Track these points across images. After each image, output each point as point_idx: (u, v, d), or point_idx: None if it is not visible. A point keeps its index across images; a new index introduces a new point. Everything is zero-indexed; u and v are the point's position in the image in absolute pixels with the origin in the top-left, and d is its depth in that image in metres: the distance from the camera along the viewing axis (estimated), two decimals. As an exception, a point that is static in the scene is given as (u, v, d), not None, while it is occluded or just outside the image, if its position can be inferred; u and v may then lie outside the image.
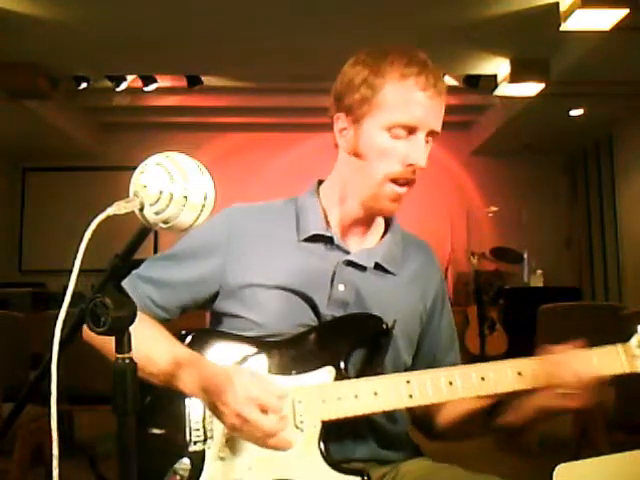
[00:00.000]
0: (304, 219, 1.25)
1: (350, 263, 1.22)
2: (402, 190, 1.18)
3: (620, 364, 1.07)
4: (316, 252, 1.22)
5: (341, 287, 1.20)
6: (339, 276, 1.20)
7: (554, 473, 0.98)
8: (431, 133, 1.17)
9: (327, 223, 1.24)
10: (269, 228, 1.25)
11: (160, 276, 1.22)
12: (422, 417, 1.28)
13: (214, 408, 1.02)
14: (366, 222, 1.26)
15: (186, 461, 1.08)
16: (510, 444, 3.66)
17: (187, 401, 1.10)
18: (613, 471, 1.04)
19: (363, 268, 1.23)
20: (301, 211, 1.26)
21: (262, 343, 1.16)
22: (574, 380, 1.03)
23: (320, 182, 1.31)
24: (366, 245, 1.26)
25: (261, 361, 1.13)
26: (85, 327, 1.16)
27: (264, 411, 0.97)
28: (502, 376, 1.08)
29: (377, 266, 1.24)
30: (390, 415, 1.20)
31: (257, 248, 1.22)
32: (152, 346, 1.10)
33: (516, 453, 3.55)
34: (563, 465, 0.99)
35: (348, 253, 1.23)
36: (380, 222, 1.30)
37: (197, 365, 1.07)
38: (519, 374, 1.08)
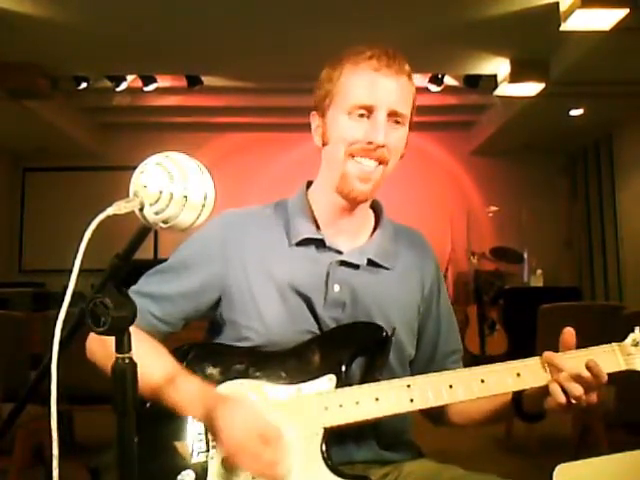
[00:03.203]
0: (294, 223, 1.25)
1: (343, 263, 1.22)
2: (368, 166, 1.18)
3: (616, 362, 1.08)
4: (309, 255, 1.23)
5: (336, 288, 1.21)
6: (333, 276, 1.21)
7: (554, 473, 0.98)
8: (394, 114, 1.18)
9: (317, 226, 1.25)
10: (262, 234, 1.25)
11: (159, 290, 1.21)
12: (431, 411, 1.27)
13: (214, 434, 1.04)
14: (352, 215, 1.25)
15: (189, 472, 1.08)
16: (510, 444, 3.66)
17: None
18: (613, 471, 1.04)
19: (356, 266, 1.23)
20: (291, 215, 1.27)
21: (263, 354, 1.16)
22: (572, 378, 1.04)
23: (310, 183, 1.32)
24: (357, 243, 1.26)
25: (260, 376, 1.13)
26: (88, 346, 1.18)
27: (265, 442, 1.00)
28: (501, 378, 1.09)
29: (370, 262, 1.24)
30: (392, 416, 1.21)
31: (252, 255, 1.23)
32: (145, 362, 1.11)
33: (516, 453, 3.56)
34: (563, 465, 0.99)
35: (340, 253, 1.23)
36: (369, 219, 1.31)
37: (198, 390, 1.07)
38: (518, 375, 1.09)
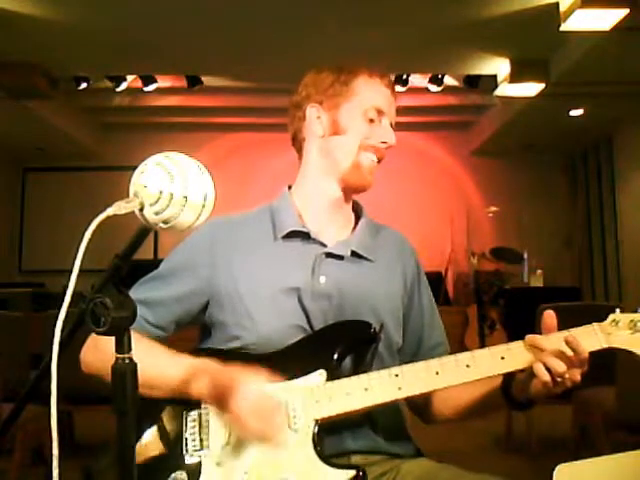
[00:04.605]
0: (279, 219, 1.31)
1: (328, 255, 1.28)
2: (373, 161, 1.31)
3: (597, 340, 1.11)
4: (295, 248, 1.28)
5: (322, 279, 1.25)
6: (319, 268, 1.25)
7: (554, 473, 0.98)
8: (391, 126, 1.33)
9: (302, 221, 1.30)
10: (248, 233, 1.31)
11: (151, 296, 1.25)
12: (419, 404, 1.33)
13: (222, 410, 1.07)
14: (339, 210, 1.33)
15: (183, 472, 1.09)
16: (510, 444, 3.66)
17: (182, 414, 1.13)
18: (613, 471, 1.05)
19: (340, 257, 1.28)
20: (276, 213, 1.33)
21: (253, 357, 1.18)
22: (553, 355, 1.06)
23: (290, 187, 1.39)
24: (341, 237, 1.32)
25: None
26: (83, 359, 1.20)
27: (262, 418, 1.03)
28: (486, 362, 1.12)
29: (354, 254, 1.30)
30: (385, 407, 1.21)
31: (239, 255, 1.27)
32: (157, 359, 1.14)
33: (516, 453, 3.56)
34: (563, 465, 0.99)
35: (325, 246, 1.29)
36: (351, 217, 1.38)
37: (208, 370, 1.10)
38: (502, 358, 1.12)
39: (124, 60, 5.59)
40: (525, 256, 6.85)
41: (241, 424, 1.04)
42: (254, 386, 1.06)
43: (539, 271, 6.68)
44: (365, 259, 1.31)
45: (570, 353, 1.06)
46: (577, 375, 1.07)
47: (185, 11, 4.51)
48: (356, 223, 1.37)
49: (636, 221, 6.45)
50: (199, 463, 1.09)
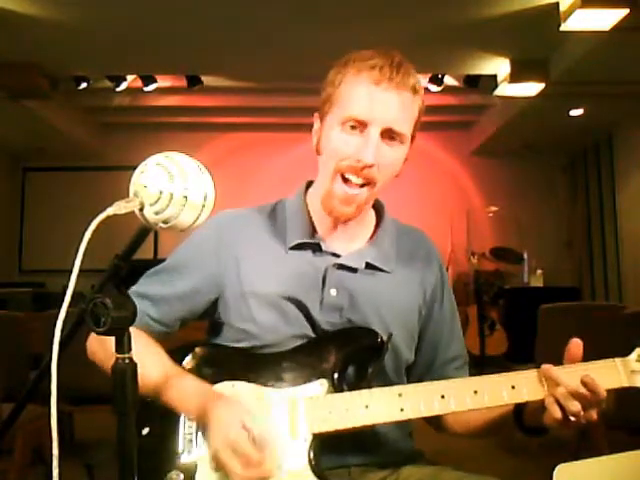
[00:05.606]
0: (290, 227, 1.22)
1: (340, 266, 1.19)
2: (352, 191, 1.13)
3: (618, 378, 1.04)
4: (305, 258, 1.20)
5: (333, 292, 1.18)
6: (330, 280, 1.18)
7: (554, 473, 0.98)
8: (390, 132, 1.11)
9: (313, 228, 1.22)
10: (257, 236, 1.23)
11: (155, 291, 1.21)
12: (432, 418, 1.25)
13: (205, 431, 1.05)
14: (346, 224, 1.21)
15: (178, 472, 1.08)
16: (510, 444, 3.66)
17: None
18: (613, 471, 1.04)
19: (354, 270, 1.20)
20: (288, 218, 1.24)
21: (258, 357, 1.16)
22: (569, 394, 1.00)
23: (310, 183, 1.29)
24: (356, 246, 1.23)
25: (254, 378, 1.13)
26: (89, 346, 1.19)
27: (253, 443, 0.98)
28: (495, 390, 1.05)
29: (369, 266, 1.21)
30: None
31: (247, 257, 1.21)
32: (144, 361, 1.10)
33: (516, 453, 3.56)
34: (563, 465, 0.99)
35: (338, 256, 1.20)
36: (370, 220, 1.27)
37: (193, 387, 1.08)
38: (513, 387, 1.05)
39: (124, 60, 5.58)
40: (525, 256, 6.86)
41: (225, 468, 0.99)
42: (244, 427, 0.98)
43: (539, 271, 6.70)
44: (382, 270, 1.22)
45: (587, 393, 0.99)
46: (593, 414, 1.00)
47: (185, 11, 4.51)
48: (377, 225, 1.27)
49: (636, 221, 6.45)
50: (195, 466, 1.07)
